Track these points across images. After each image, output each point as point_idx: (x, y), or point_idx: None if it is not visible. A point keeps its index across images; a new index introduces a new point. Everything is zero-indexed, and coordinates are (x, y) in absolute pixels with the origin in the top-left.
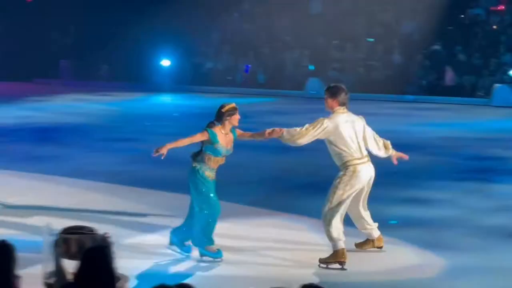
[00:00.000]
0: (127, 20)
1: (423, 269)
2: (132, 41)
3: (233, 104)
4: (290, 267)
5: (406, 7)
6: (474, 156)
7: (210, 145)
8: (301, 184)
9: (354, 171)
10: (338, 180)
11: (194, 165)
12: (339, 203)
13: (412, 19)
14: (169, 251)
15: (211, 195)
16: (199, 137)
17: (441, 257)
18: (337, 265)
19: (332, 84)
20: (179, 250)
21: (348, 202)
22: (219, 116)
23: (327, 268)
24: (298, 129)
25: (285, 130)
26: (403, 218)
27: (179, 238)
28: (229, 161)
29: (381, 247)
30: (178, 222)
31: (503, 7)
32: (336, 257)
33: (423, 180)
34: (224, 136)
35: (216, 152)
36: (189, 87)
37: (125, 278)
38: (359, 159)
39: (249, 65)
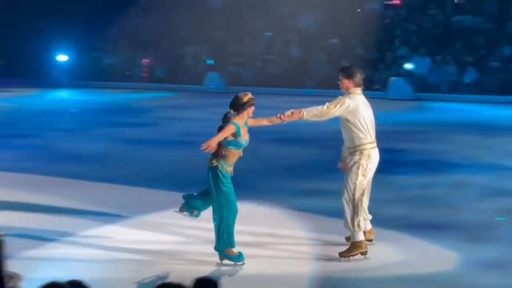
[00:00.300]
0: (22, 14)
1: (323, 261)
2: (28, 36)
3: (250, 94)
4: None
5: (304, 1)
6: None
7: (233, 139)
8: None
9: (369, 155)
10: (356, 166)
11: (214, 164)
12: (362, 191)
13: (310, 13)
14: (70, 242)
15: (231, 195)
16: (228, 131)
17: (340, 248)
18: (359, 256)
19: (346, 65)
20: (187, 213)
21: (368, 187)
22: (239, 107)
23: (349, 260)
24: (319, 107)
25: (304, 110)
26: (307, 209)
27: (190, 204)
28: (120, 157)
29: (371, 240)
30: (78, 215)
31: (399, 1)
32: (359, 248)
33: (322, 172)
34: (242, 128)
35: (239, 145)
36: (87, 83)
37: (18, 277)
38: (371, 143)
39: (146, 60)
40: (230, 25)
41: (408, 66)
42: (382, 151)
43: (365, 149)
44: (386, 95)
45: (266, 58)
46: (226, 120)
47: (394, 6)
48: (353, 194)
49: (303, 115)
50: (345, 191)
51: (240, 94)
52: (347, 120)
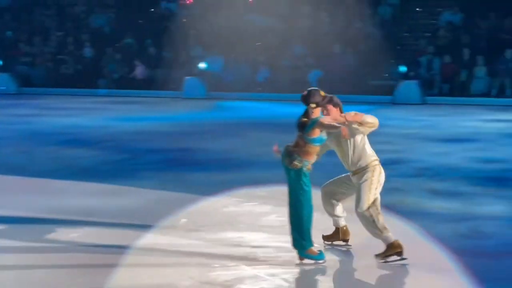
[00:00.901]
0: None
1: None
2: None
3: None
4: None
5: (96, 0)
6: (170, 148)
7: (319, 135)
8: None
9: (380, 172)
10: (368, 182)
11: (299, 166)
12: (374, 200)
13: (103, 12)
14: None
15: (311, 194)
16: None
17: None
18: (395, 257)
19: (328, 95)
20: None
21: (379, 197)
22: (320, 101)
23: (386, 262)
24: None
25: (367, 115)
26: (107, 209)
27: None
28: None
29: (347, 240)
30: None
31: (192, 1)
32: (393, 248)
33: (128, 172)
34: None
35: (322, 141)
36: None
37: None
38: (377, 159)
39: None
40: (19, 24)
41: (202, 65)
42: (177, 150)
43: (376, 165)
44: (181, 95)
45: (57, 58)
46: (308, 115)
47: (187, 5)
48: (369, 206)
49: (365, 118)
50: (359, 206)
51: (314, 89)
52: (366, 137)
